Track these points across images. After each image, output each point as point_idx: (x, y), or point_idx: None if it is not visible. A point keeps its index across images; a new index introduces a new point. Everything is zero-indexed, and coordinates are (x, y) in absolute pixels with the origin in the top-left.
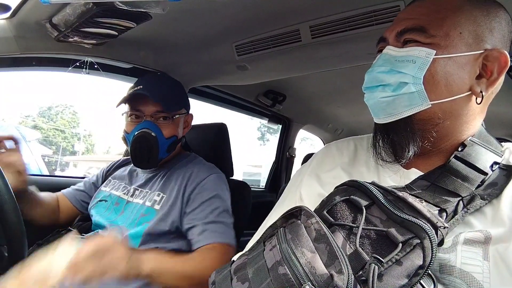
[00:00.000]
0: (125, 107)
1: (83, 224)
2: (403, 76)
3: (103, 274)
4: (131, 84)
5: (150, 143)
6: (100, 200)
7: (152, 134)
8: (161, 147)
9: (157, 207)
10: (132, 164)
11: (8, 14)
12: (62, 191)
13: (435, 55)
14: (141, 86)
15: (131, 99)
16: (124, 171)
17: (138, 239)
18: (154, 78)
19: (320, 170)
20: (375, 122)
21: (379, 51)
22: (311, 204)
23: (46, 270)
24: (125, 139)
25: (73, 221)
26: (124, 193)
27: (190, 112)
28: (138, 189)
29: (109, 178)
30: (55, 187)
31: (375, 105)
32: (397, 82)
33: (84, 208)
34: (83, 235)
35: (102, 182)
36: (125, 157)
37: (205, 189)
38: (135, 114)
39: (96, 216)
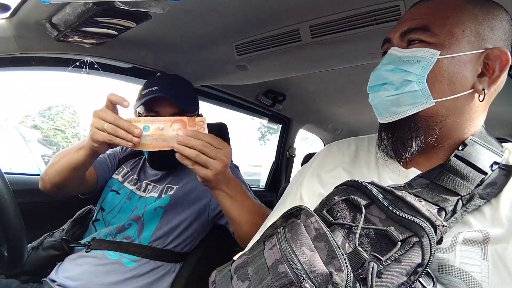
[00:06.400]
0: (139, 108)
1: (76, 229)
2: (407, 74)
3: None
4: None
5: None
6: (112, 190)
7: None
8: None
9: (171, 192)
10: (143, 158)
11: (7, 14)
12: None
13: (439, 55)
14: (156, 88)
15: (148, 101)
16: (135, 163)
17: (157, 218)
18: (167, 79)
19: (321, 170)
20: (379, 122)
21: (384, 53)
22: (312, 204)
23: None
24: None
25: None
26: (137, 188)
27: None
28: (150, 184)
29: (122, 165)
30: None
31: (379, 105)
32: (401, 80)
33: (101, 183)
34: (79, 242)
35: (116, 167)
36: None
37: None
38: (151, 116)
39: (107, 214)
